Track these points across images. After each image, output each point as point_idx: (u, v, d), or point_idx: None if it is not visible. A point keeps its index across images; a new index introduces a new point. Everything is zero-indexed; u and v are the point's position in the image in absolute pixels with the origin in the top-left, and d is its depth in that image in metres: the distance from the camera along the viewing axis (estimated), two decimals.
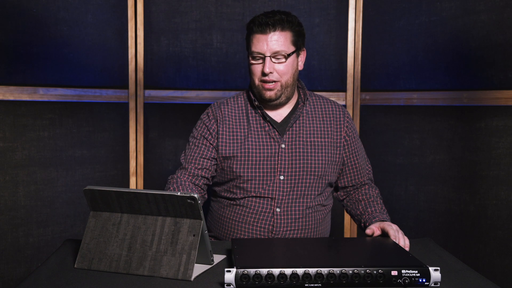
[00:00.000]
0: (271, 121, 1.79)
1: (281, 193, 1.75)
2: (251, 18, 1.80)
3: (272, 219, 1.75)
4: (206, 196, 1.84)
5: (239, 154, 1.76)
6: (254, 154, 1.76)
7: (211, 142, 1.80)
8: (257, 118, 1.81)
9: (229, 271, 1.20)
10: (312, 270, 1.21)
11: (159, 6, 2.58)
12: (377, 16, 2.55)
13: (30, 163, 2.29)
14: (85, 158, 2.47)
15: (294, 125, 1.80)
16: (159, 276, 1.29)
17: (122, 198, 1.33)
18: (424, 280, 1.23)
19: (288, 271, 1.20)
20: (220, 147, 1.78)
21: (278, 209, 1.75)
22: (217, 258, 1.44)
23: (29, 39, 2.26)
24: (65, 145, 2.40)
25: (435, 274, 1.23)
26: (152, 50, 2.60)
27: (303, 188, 1.77)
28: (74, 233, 2.43)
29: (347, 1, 2.58)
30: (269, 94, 1.75)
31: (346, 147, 1.85)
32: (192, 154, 1.81)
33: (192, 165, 1.79)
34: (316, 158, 1.78)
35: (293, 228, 1.76)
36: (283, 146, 1.77)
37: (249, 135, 1.78)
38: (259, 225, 1.75)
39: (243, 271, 1.20)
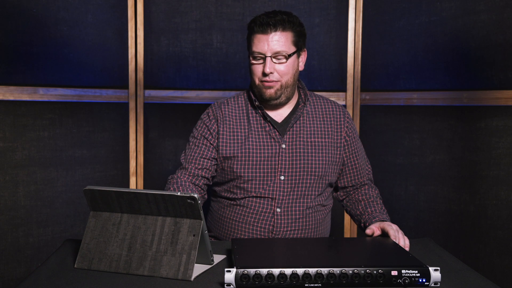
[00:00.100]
0: (271, 121, 1.79)
1: (281, 193, 1.75)
2: (251, 18, 1.79)
3: (273, 219, 1.75)
4: (206, 196, 1.84)
5: (239, 154, 1.76)
6: (254, 154, 1.76)
7: (211, 142, 1.80)
8: (258, 118, 1.81)
9: (229, 271, 1.20)
10: (312, 270, 1.21)
11: (159, 6, 2.58)
12: (377, 16, 2.55)
13: (30, 163, 2.29)
14: (85, 158, 2.47)
15: (294, 125, 1.80)
16: (159, 276, 1.29)
17: (122, 198, 1.33)
18: (424, 280, 1.23)
19: (288, 271, 1.20)
20: (220, 147, 1.78)
21: (278, 209, 1.75)
22: (217, 258, 1.44)
23: (29, 39, 2.26)
24: (65, 145, 2.40)
25: (435, 274, 1.23)
26: (152, 50, 2.60)
27: (303, 188, 1.77)
28: (74, 233, 2.43)
29: (347, 1, 2.58)
30: (269, 92, 1.75)
31: (346, 147, 1.85)
32: (192, 154, 1.81)
33: (192, 165, 1.79)
34: (317, 158, 1.78)
35: (293, 228, 1.76)
36: (283, 146, 1.77)
37: (250, 135, 1.78)
38: (259, 225, 1.75)
39: (243, 271, 1.20)
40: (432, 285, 1.23)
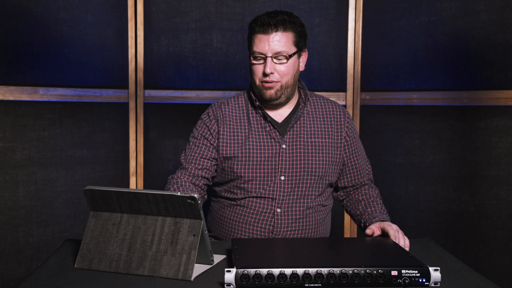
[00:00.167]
0: (272, 122, 1.79)
1: (281, 193, 1.75)
2: (251, 18, 1.79)
3: (273, 220, 1.75)
4: (206, 196, 1.84)
5: (240, 155, 1.76)
6: (255, 155, 1.76)
7: (211, 142, 1.80)
8: (258, 118, 1.81)
9: (229, 271, 1.20)
10: (312, 270, 1.21)
11: (159, 6, 2.58)
12: (377, 16, 2.55)
13: (30, 163, 2.29)
14: (85, 158, 2.47)
15: (295, 125, 1.80)
16: (159, 276, 1.29)
17: (122, 198, 1.33)
18: (424, 280, 1.23)
19: (288, 271, 1.20)
20: (220, 148, 1.78)
21: (278, 210, 1.75)
22: (217, 258, 1.44)
23: (29, 39, 2.26)
24: (65, 145, 2.40)
25: (435, 274, 1.23)
26: (152, 50, 2.60)
27: (303, 189, 1.77)
28: (74, 233, 2.43)
29: (347, 1, 2.58)
30: (269, 92, 1.75)
31: (346, 147, 1.85)
32: (192, 154, 1.81)
33: (192, 165, 1.79)
34: (317, 158, 1.78)
35: (293, 229, 1.76)
36: (284, 146, 1.77)
37: (250, 136, 1.78)
38: (259, 225, 1.75)
39: (243, 271, 1.20)
40: (432, 285, 1.23)
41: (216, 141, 1.80)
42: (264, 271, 1.20)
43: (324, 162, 1.79)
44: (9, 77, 2.22)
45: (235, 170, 1.76)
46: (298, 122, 1.81)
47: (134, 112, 2.60)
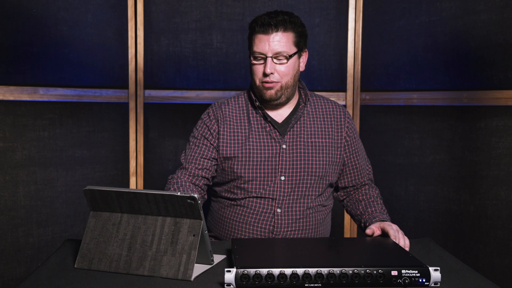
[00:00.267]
0: (272, 122, 1.79)
1: (282, 193, 1.75)
2: (251, 18, 1.79)
3: (273, 220, 1.75)
4: (206, 196, 1.84)
5: (240, 155, 1.76)
6: (255, 155, 1.76)
7: (211, 142, 1.80)
8: (258, 118, 1.81)
9: (229, 271, 1.20)
10: (312, 270, 1.21)
11: (159, 6, 2.58)
12: (377, 16, 2.55)
13: (30, 163, 2.29)
14: (85, 158, 2.47)
15: (295, 125, 1.80)
16: (159, 276, 1.29)
17: (122, 198, 1.33)
18: (424, 280, 1.23)
19: (288, 271, 1.20)
20: (221, 148, 1.78)
21: (279, 210, 1.75)
22: (217, 258, 1.44)
23: (29, 39, 2.26)
24: (65, 145, 2.40)
25: (435, 274, 1.23)
26: (152, 50, 2.60)
27: (304, 189, 1.77)
28: (74, 233, 2.43)
29: (347, 1, 2.58)
30: (269, 93, 1.75)
31: (346, 147, 1.85)
32: (193, 154, 1.81)
33: (193, 165, 1.79)
34: (317, 159, 1.78)
35: (293, 229, 1.76)
36: (284, 146, 1.77)
37: (250, 136, 1.78)
38: (259, 225, 1.75)
39: (243, 271, 1.20)
40: (432, 285, 1.23)
41: (216, 141, 1.80)
42: (264, 271, 1.20)
43: (325, 162, 1.79)
44: (9, 77, 2.22)
45: (235, 170, 1.76)
46: (298, 122, 1.81)
47: (134, 112, 2.60)
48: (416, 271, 1.23)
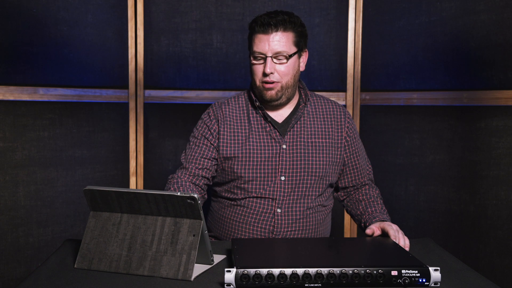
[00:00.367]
0: (272, 122, 1.79)
1: (282, 193, 1.75)
2: (251, 18, 1.79)
3: (273, 220, 1.75)
4: (206, 196, 1.84)
5: (240, 155, 1.76)
6: (255, 155, 1.76)
7: (211, 142, 1.80)
8: (258, 118, 1.81)
9: (229, 271, 1.20)
10: (312, 270, 1.21)
11: (159, 6, 2.58)
12: (377, 16, 2.55)
13: (30, 163, 2.29)
14: (85, 158, 2.47)
15: (295, 125, 1.80)
16: (159, 276, 1.29)
17: (122, 198, 1.33)
18: (424, 280, 1.23)
19: (288, 271, 1.20)
20: (221, 148, 1.78)
21: (279, 210, 1.75)
22: (217, 258, 1.44)
23: (29, 39, 2.26)
24: (65, 145, 2.40)
25: (435, 274, 1.23)
26: (152, 50, 2.60)
27: (304, 189, 1.77)
28: (74, 233, 2.43)
29: (347, 1, 2.58)
30: (269, 93, 1.75)
31: (347, 147, 1.85)
32: (193, 154, 1.81)
33: (193, 165, 1.79)
34: (317, 159, 1.78)
35: (293, 229, 1.76)
36: (284, 146, 1.77)
37: (250, 136, 1.78)
38: (259, 225, 1.75)
39: (243, 271, 1.20)
40: (432, 285, 1.23)
41: (217, 141, 1.80)
42: (264, 271, 1.20)
43: (325, 163, 1.79)
44: (9, 77, 2.22)
45: (235, 170, 1.76)
46: (298, 122, 1.81)
47: (134, 112, 2.60)
48: (416, 271, 1.23)
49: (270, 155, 1.76)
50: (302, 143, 1.78)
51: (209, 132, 1.81)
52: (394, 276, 1.22)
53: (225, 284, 1.19)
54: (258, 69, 1.74)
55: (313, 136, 1.80)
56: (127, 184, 2.62)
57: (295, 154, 1.77)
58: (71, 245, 1.53)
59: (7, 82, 2.22)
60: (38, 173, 2.31)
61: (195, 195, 1.25)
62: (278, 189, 1.75)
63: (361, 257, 1.39)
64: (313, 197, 1.79)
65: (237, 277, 1.19)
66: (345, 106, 2.61)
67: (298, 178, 1.76)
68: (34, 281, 1.26)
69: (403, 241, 1.53)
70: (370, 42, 2.58)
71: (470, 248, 2.24)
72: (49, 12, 2.31)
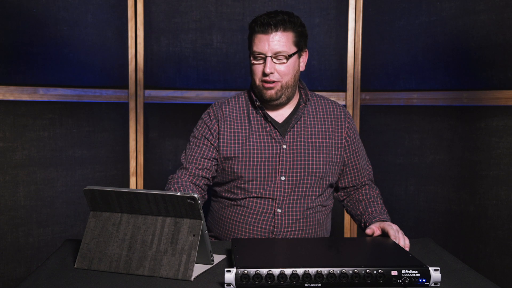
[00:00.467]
0: (272, 122, 1.79)
1: (282, 193, 1.75)
2: (251, 18, 1.79)
3: (273, 220, 1.75)
4: (206, 196, 1.84)
5: (240, 155, 1.76)
6: (255, 155, 1.76)
7: (212, 142, 1.80)
8: (258, 118, 1.81)
9: (229, 271, 1.20)
10: (312, 270, 1.21)
11: (159, 6, 2.58)
12: (377, 16, 2.55)
13: (30, 163, 2.29)
14: (85, 158, 2.47)
15: (295, 125, 1.80)
16: (159, 276, 1.29)
17: (122, 198, 1.33)
18: (424, 280, 1.23)
19: (288, 271, 1.20)
20: (221, 148, 1.78)
21: (279, 210, 1.75)
22: (217, 258, 1.44)
23: (29, 39, 2.26)
24: (65, 145, 2.40)
25: (435, 274, 1.23)
26: (152, 50, 2.60)
27: (304, 189, 1.77)
28: (74, 233, 2.43)
29: (347, 1, 2.58)
30: (269, 93, 1.75)
31: (347, 147, 1.85)
32: (193, 154, 1.81)
33: (193, 165, 1.79)
34: (317, 159, 1.78)
35: (294, 229, 1.76)
36: (284, 146, 1.77)
37: (251, 136, 1.78)
38: (260, 225, 1.75)
39: (243, 271, 1.20)
40: (432, 285, 1.23)
41: (217, 141, 1.80)
42: (264, 271, 1.20)
43: (325, 163, 1.79)
44: (9, 77, 2.22)
45: (235, 171, 1.76)
46: (298, 122, 1.81)
47: (134, 112, 2.60)
48: (416, 271, 1.23)
49: (270, 155, 1.76)
50: (302, 143, 1.78)
51: (209, 132, 1.81)
52: (394, 276, 1.22)
53: (225, 284, 1.19)
54: (258, 69, 1.74)
55: (313, 136, 1.80)
56: (127, 184, 2.62)
57: (295, 154, 1.77)
58: (71, 245, 1.53)
59: (7, 82, 2.22)
60: (38, 173, 2.31)
61: (195, 195, 1.25)
62: (278, 189, 1.75)
63: (361, 257, 1.39)
64: (313, 197, 1.79)
65: (237, 277, 1.19)
66: (345, 106, 2.61)
67: (298, 178, 1.76)
68: (34, 281, 1.26)
69: (403, 241, 1.53)
70: (370, 42, 2.58)
71: (470, 248, 2.24)
72: (49, 12, 2.31)
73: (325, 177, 1.80)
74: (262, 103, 1.80)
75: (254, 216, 1.76)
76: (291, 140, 1.78)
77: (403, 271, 1.23)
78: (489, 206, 2.16)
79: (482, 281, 1.30)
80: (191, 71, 2.61)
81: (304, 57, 1.81)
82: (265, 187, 1.75)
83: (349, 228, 2.69)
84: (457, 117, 2.28)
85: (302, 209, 1.77)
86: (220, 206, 1.85)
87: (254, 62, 1.75)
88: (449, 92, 2.29)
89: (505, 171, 2.10)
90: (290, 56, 1.73)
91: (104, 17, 2.50)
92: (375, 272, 1.22)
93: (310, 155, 1.78)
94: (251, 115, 1.81)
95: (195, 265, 1.33)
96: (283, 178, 1.75)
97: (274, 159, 1.76)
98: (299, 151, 1.77)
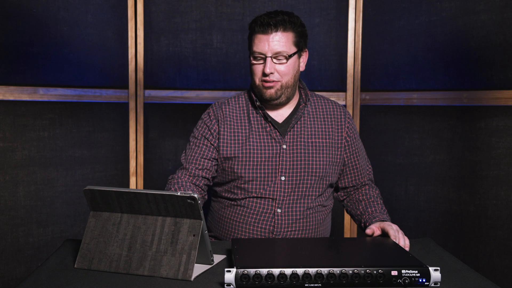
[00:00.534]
0: (272, 122, 1.79)
1: (282, 193, 1.75)
2: (251, 18, 1.79)
3: (273, 220, 1.75)
4: (206, 197, 1.84)
5: (240, 155, 1.76)
6: (255, 155, 1.76)
7: (212, 142, 1.80)
8: (258, 118, 1.81)
9: (229, 271, 1.20)
10: (312, 270, 1.21)
11: (159, 6, 2.58)
12: (377, 16, 2.55)
13: (30, 163, 2.29)
14: (85, 158, 2.47)
15: (295, 125, 1.80)
16: (159, 276, 1.29)
17: (122, 198, 1.33)
18: (424, 280, 1.23)
19: (288, 271, 1.20)
20: (221, 148, 1.78)
21: (279, 210, 1.75)
22: (217, 258, 1.44)
23: (29, 39, 2.26)
24: (65, 145, 2.40)
25: (435, 274, 1.23)
26: (152, 50, 2.60)
27: (304, 189, 1.77)
28: (74, 233, 2.43)
29: (347, 1, 2.58)
30: (269, 92, 1.75)
31: (347, 147, 1.85)
32: (193, 154, 1.81)
33: (193, 165, 1.79)
34: (317, 159, 1.78)
35: (294, 229, 1.76)
36: (284, 146, 1.77)
37: (251, 136, 1.78)
38: (260, 225, 1.75)
39: (243, 271, 1.20)
40: (432, 285, 1.23)
41: (217, 141, 1.80)
42: (264, 271, 1.20)
43: (325, 163, 1.79)
44: (9, 77, 2.22)
45: (235, 171, 1.76)
46: (298, 122, 1.81)
47: (134, 112, 2.60)
48: (416, 271, 1.23)
49: (270, 155, 1.76)
50: (302, 143, 1.78)
51: (209, 132, 1.81)
52: (394, 276, 1.22)
53: (225, 284, 1.19)
54: (258, 69, 1.74)
55: (313, 136, 1.80)
56: (127, 184, 2.62)
57: (295, 154, 1.77)
58: (71, 245, 1.53)
59: (7, 82, 2.22)
60: (38, 173, 2.31)
61: (195, 195, 1.25)
62: (278, 189, 1.75)
63: (361, 257, 1.39)
64: (313, 197, 1.79)
65: (237, 277, 1.19)
66: (345, 106, 2.61)
67: (298, 178, 1.76)
68: (34, 281, 1.26)
69: (403, 241, 1.53)
70: (370, 42, 2.58)
71: (470, 248, 2.24)
72: (49, 12, 2.31)
73: (325, 177, 1.80)
74: (262, 103, 1.80)
75: (254, 216, 1.76)
76: (291, 140, 1.78)
77: (403, 271, 1.23)
78: (489, 206, 2.16)
79: (482, 281, 1.30)
80: (191, 71, 2.61)
81: (304, 57, 1.81)
82: (265, 187, 1.75)
83: (349, 228, 2.69)
84: (457, 117, 2.28)
85: (302, 209, 1.77)
86: (220, 206, 1.85)
87: (254, 62, 1.75)
88: (449, 92, 2.29)
89: (505, 171, 2.10)
90: (290, 56, 1.73)
91: (104, 17, 2.50)
92: (375, 272, 1.22)
93: (310, 155, 1.78)
94: (251, 115, 1.81)
95: (195, 265, 1.33)
96: (283, 178, 1.75)
97: (274, 159, 1.76)
98: (299, 151, 1.77)
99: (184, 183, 1.75)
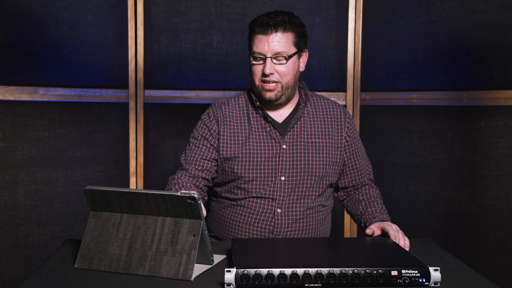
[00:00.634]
0: (272, 122, 1.79)
1: (282, 193, 1.75)
2: (251, 18, 1.79)
3: (273, 220, 1.75)
4: (206, 197, 1.84)
5: (240, 155, 1.76)
6: (255, 155, 1.76)
7: (211, 143, 1.80)
8: (258, 118, 1.81)
9: (229, 271, 1.20)
10: (312, 270, 1.21)
11: (159, 6, 2.58)
12: (377, 16, 2.55)
13: (30, 163, 2.29)
14: (85, 158, 2.47)
15: (295, 125, 1.80)
16: (159, 276, 1.29)
17: (122, 198, 1.33)
18: (424, 280, 1.23)
19: (288, 271, 1.20)
20: (221, 148, 1.78)
21: (279, 210, 1.75)
22: (217, 258, 1.44)
23: (29, 39, 2.26)
24: (65, 145, 2.40)
25: (435, 274, 1.23)
26: (152, 50, 2.60)
27: (304, 189, 1.77)
28: (74, 233, 2.43)
29: (347, 1, 2.58)
30: (269, 95, 1.75)
31: (347, 147, 1.85)
32: (193, 155, 1.80)
33: (193, 166, 1.79)
34: (317, 159, 1.78)
35: (294, 229, 1.76)
36: (284, 147, 1.77)
37: (250, 136, 1.78)
38: (260, 225, 1.75)
39: (243, 271, 1.20)
40: (432, 285, 1.23)
41: (217, 141, 1.80)
42: (264, 271, 1.20)
43: (325, 163, 1.79)
44: (9, 77, 2.22)
45: (235, 171, 1.76)
46: (298, 122, 1.81)
47: (134, 112, 2.60)
48: (416, 271, 1.23)
49: (270, 155, 1.76)
50: (302, 143, 1.78)
51: (209, 133, 1.81)
52: (394, 276, 1.22)
53: (225, 284, 1.19)
54: (258, 69, 1.74)
55: (313, 136, 1.80)
56: (127, 184, 2.62)
57: (295, 154, 1.77)
58: (71, 245, 1.53)
59: (7, 82, 2.22)
60: (38, 173, 2.31)
61: (195, 195, 1.25)
62: (278, 189, 1.75)
63: (361, 257, 1.39)
64: (313, 197, 1.79)
65: (237, 277, 1.19)
66: (345, 106, 2.61)
67: (298, 178, 1.76)
68: (34, 281, 1.26)
69: (403, 241, 1.53)
70: (370, 42, 2.58)
71: (470, 248, 2.24)
72: (49, 12, 2.31)
73: (325, 177, 1.80)
74: (262, 103, 1.80)
75: (254, 216, 1.76)
76: (291, 140, 1.78)
77: (403, 271, 1.23)
78: (489, 206, 2.16)
79: (482, 281, 1.30)
80: (191, 71, 2.61)
81: (304, 58, 1.81)
82: (265, 187, 1.75)
83: (349, 228, 2.69)
84: (457, 117, 2.28)
85: (302, 209, 1.77)
86: (220, 206, 1.85)
87: (254, 62, 1.75)
88: (449, 92, 2.29)
89: (505, 171, 2.10)
90: (290, 56, 1.73)
91: (104, 17, 2.50)
92: (375, 272, 1.22)
93: (310, 155, 1.78)
94: (251, 115, 1.81)
95: (195, 265, 1.33)
96: (283, 178, 1.75)
97: (274, 159, 1.76)
98: (299, 151, 1.77)
99: (184, 184, 1.75)
